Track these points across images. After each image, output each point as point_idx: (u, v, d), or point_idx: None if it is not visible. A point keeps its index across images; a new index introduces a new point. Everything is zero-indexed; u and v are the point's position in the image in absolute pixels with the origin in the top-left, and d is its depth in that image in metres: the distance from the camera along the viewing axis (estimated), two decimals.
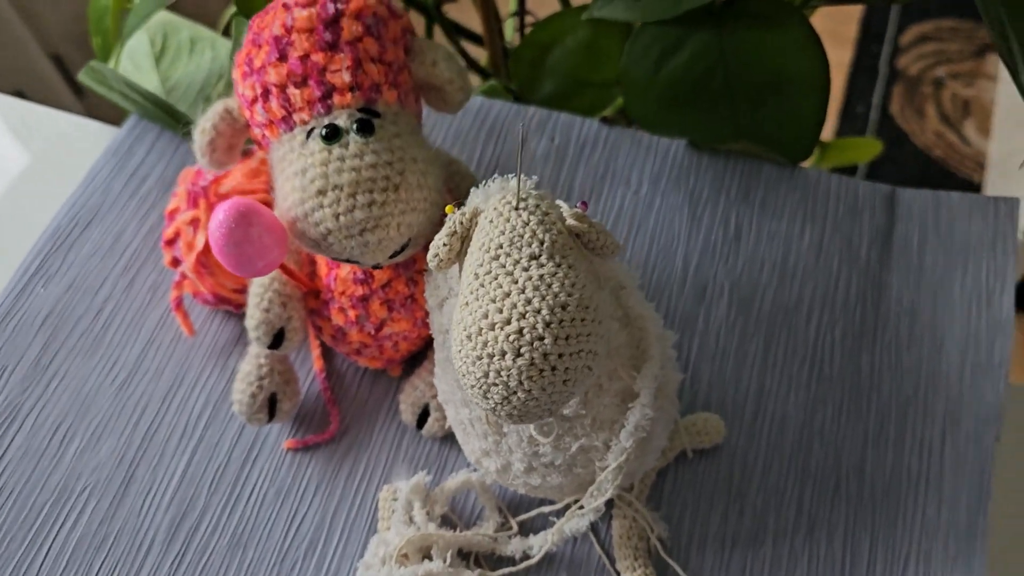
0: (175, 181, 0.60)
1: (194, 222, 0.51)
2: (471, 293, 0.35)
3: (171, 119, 0.59)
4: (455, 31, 0.69)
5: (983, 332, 0.53)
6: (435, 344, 0.43)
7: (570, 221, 0.36)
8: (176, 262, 0.53)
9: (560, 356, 0.33)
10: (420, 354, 0.52)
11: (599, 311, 0.35)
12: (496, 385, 0.33)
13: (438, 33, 0.70)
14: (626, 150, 0.61)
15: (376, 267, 0.43)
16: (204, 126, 0.42)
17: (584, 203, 0.37)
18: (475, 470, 0.48)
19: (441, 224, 0.43)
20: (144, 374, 0.53)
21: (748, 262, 0.56)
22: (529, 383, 0.33)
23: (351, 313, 0.47)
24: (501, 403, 0.34)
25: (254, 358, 0.49)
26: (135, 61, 0.65)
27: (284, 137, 0.41)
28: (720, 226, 0.58)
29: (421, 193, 0.40)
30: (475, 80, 0.72)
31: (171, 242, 0.52)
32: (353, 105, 0.40)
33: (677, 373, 0.45)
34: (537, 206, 0.36)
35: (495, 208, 0.36)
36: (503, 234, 0.35)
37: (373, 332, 0.47)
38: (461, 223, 0.37)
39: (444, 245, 0.36)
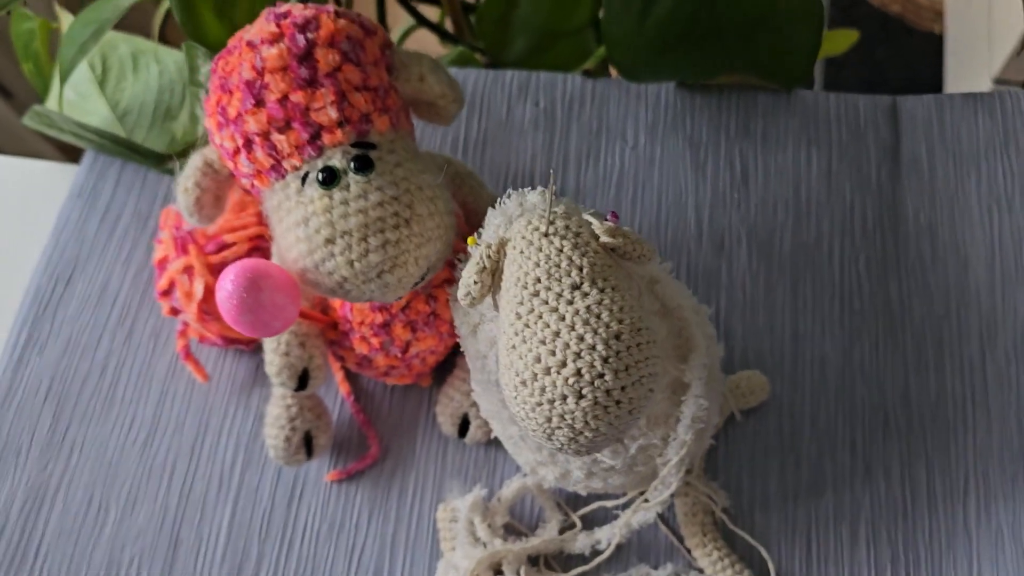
0: (152, 214, 0.57)
1: (188, 270, 0.48)
2: (516, 335, 0.33)
3: (132, 152, 0.55)
4: None
5: (1008, 240, 0.52)
6: (472, 367, 0.41)
7: (604, 238, 0.34)
8: (175, 311, 0.50)
9: (623, 389, 0.32)
10: (447, 361, 0.51)
11: (651, 329, 0.33)
12: (561, 428, 0.32)
13: (392, 2, 0.65)
14: (616, 102, 0.58)
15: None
16: (186, 185, 0.39)
17: (615, 214, 0.35)
18: (527, 474, 0.47)
19: (459, 241, 0.41)
20: (166, 428, 0.51)
21: (760, 204, 0.54)
22: (596, 422, 0.32)
23: (375, 341, 0.45)
24: (568, 443, 0.32)
25: (281, 399, 0.48)
26: (78, 90, 0.61)
27: (276, 186, 0.38)
28: (726, 169, 0.55)
29: (433, 221, 0.38)
30: (440, 48, 0.68)
31: (167, 292, 0.49)
32: (345, 141, 0.37)
33: (719, 348, 0.44)
34: (567, 228, 0.34)
35: (523, 237, 0.34)
36: (538, 266, 0.33)
37: (400, 355, 0.46)
38: (490, 257, 0.34)
39: (476, 283, 0.34)
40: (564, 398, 0.31)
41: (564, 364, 0.31)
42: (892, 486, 0.47)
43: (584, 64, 0.59)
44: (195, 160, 0.39)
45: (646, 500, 0.43)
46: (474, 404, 0.48)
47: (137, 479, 0.50)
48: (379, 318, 0.44)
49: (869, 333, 0.51)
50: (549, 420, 0.32)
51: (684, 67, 0.55)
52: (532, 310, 0.33)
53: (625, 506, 0.47)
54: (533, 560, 0.46)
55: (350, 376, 0.52)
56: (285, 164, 0.37)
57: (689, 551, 0.46)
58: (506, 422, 0.41)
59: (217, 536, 0.49)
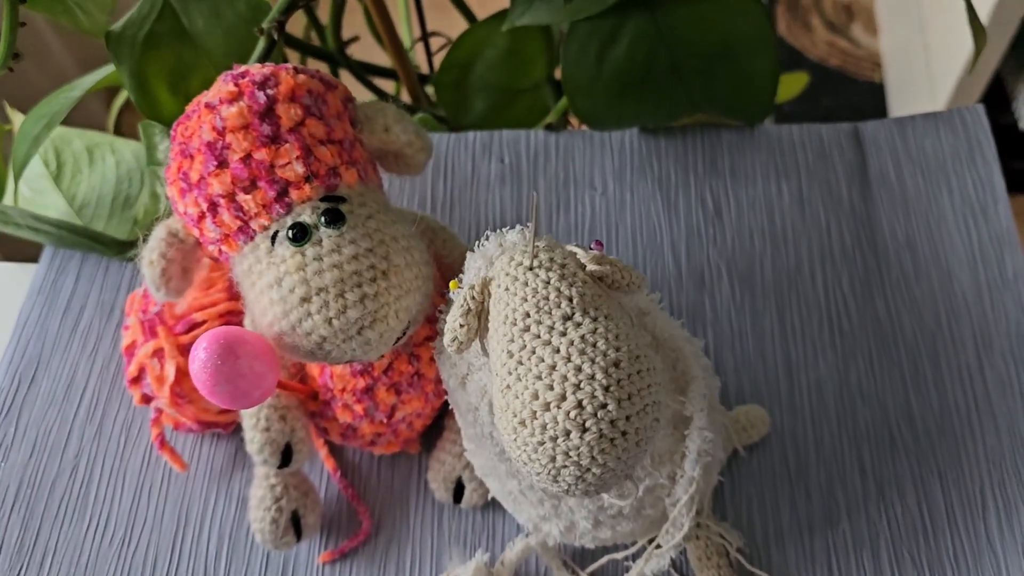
0: (116, 304, 0.55)
1: (157, 353, 0.46)
2: (510, 374, 0.31)
3: (92, 242, 0.54)
4: (364, 71, 0.65)
5: (988, 247, 0.51)
6: (462, 422, 0.40)
7: (591, 267, 0.33)
8: (147, 399, 0.48)
9: (628, 419, 0.30)
10: (435, 425, 0.49)
11: (649, 357, 0.32)
12: (567, 467, 0.30)
13: (346, 76, 0.65)
14: (581, 152, 0.58)
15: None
16: (151, 257, 0.38)
17: (599, 242, 0.34)
18: (530, 532, 0.45)
19: (437, 296, 0.40)
20: (143, 525, 0.48)
21: (736, 236, 0.54)
22: (603, 456, 0.30)
23: (358, 408, 0.43)
24: (575, 483, 0.31)
25: (264, 480, 0.45)
26: (33, 186, 0.59)
27: (245, 249, 0.36)
28: (698, 206, 0.55)
29: (411, 272, 0.37)
30: None
31: (137, 379, 0.47)
32: (314, 196, 0.36)
33: (715, 379, 0.42)
34: (552, 260, 0.33)
35: (507, 273, 0.33)
36: (526, 300, 0.32)
37: (386, 420, 0.44)
38: (474, 298, 0.33)
39: (461, 326, 0.33)
40: (567, 433, 0.30)
41: (564, 397, 0.30)
42: (908, 506, 0.46)
43: (545, 119, 0.59)
44: (159, 231, 0.38)
45: (658, 546, 0.41)
46: (467, 466, 0.46)
47: None
48: (361, 383, 0.42)
49: (862, 353, 0.50)
50: (553, 460, 0.30)
51: (646, 110, 0.55)
52: (524, 346, 0.31)
53: (636, 556, 0.44)
54: None
55: (335, 450, 0.50)
56: (253, 224, 0.36)
57: None
58: (504, 477, 0.40)
59: None
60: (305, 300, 0.35)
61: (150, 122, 0.47)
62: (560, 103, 0.58)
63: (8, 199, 0.58)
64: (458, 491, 0.46)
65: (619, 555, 0.44)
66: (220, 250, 0.37)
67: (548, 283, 0.32)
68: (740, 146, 0.57)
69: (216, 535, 0.48)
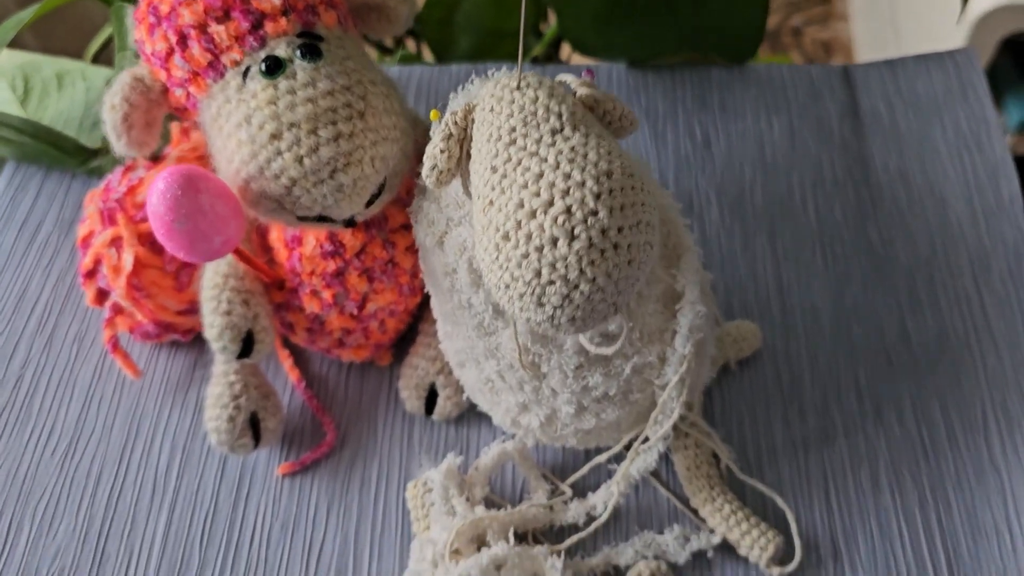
0: (75, 220, 0.52)
1: (115, 241, 0.43)
2: (493, 189, 0.29)
3: (57, 151, 0.51)
4: None
5: (983, 177, 0.50)
6: (437, 299, 0.37)
7: (582, 91, 0.31)
8: (102, 296, 0.45)
9: (620, 230, 0.28)
10: (406, 338, 0.46)
11: (645, 180, 0.30)
12: (553, 283, 0.28)
13: None
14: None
15: (349, 224, 0.37)
16: (113, 101, 0.35)
17: (590, 71, 0.32)
18: (508, 439, 0.42)
19: (415, 157, 0.38)
20: (89, 436, 0.45)
21: (725, 165, 0.52)
22: (592, 269, 0.27)
23: (327, 294, 0.40)
24: (561, 305, 0.28)
25: (223, 377, 0.42)
26: None
27: (214, 89, 0.34)
28: (686, 138, 0.54)
29: (390, 119, 0.35)
30: (378, 56, 0.67)
31: (91, 274, 0.44)
32: (290, 31, 0.34)
33: (707, 273, 0.40)
34: (540, 82, 0.31)
35: (492, 95, 0.31)
36: (512, 116, 0.30)
37: (356, 311, 0.41)
38: (455, 123, 0.31)
39: (442, 152, 0.31)
40: (554, 242, 0.27)
41: (551, 203, 0.27)
42: (907, 427, 0.43)
43: (531, 53, 0.58)
44: (123, 76, 0.36)
45: (646, 440, 0.38)
46: (442, 371, 0.43)
47: (56, 493, 0.43)
48: (331, 265, 0.40)
49: (856, 276, 0.48)
50: (539, 274, 0.28)
51: (634, 39, 0.54)
52: (509, 159, 0.29)
53: (619, 461, 0.41)
54: (520, 536, 0.40)
55: (300, 362, 0.47)
56: (224, 59, 0.34)
57: (696, 512, 0.41)
58: (482, 359, 0.37)
59: (151, 547, 0.42)
60: (275, 137, 0.33)
61: (123, 3, 0.45)
62: (548, 33, 0.57)
63: None
64: (430, 400, 0.43)
65: (603, 457, 0.41)
66: (188, 93, 0.35)
67: (536, 100, 0.30)
68: (729, 83, 0.56)
69: (168, 447, 0.44)
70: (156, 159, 0.45)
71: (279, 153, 0.33)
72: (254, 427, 0.42)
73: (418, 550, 0.39)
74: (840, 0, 1.69)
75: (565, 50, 0.62)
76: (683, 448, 0.41)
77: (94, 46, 0.63)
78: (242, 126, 0.33)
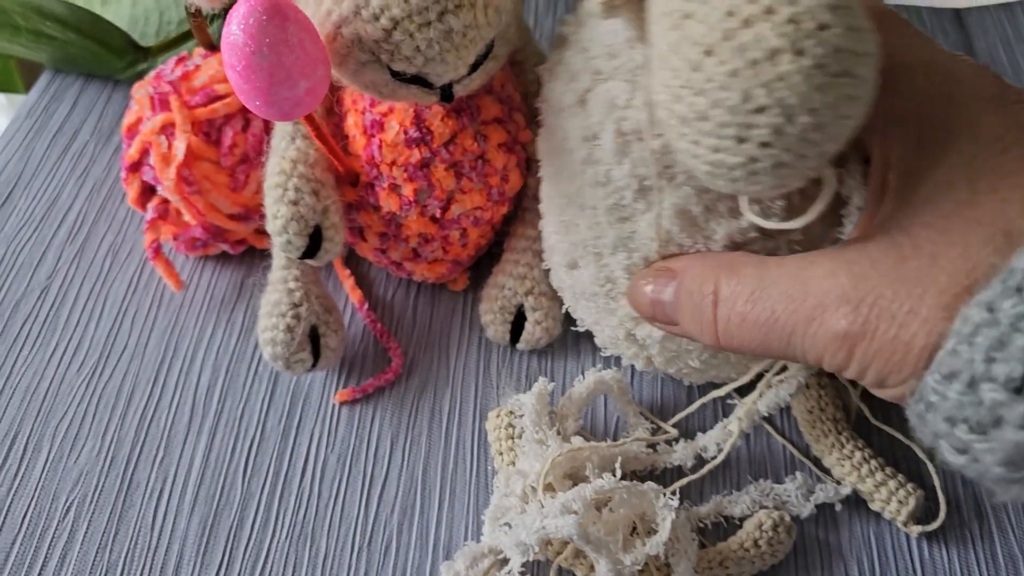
0: (116, 133, 0.48)
1: (166, 129, 0.38)
2: (688, 2, 0.24)
3: (103, 48, 0.46)
4: None
5: None
6: (558, 179, 0.32)
7: None
8: (146, 195, 0.40)
9: (855, 55, 0.22)
10: (483, 264, 0.41)
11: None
12: (768, 109, 0.22)
13: None
14: None
15: (445, 97, 0.32)
16: None
17: None
18: (603, 369, 0.36)
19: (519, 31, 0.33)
20: (121, 352, 0.40)
21: None
22: (818, 96, 0.22)
23: (408, 189, 0.35)
24: (769, 141, 0.22)
25: (281, 283, 0.37)
26: None
27: None
28: None
29: None
30: None
31: (136, 166, 0.39)
32: None
33: None
34: None
35: None
36: None
37: (439, 213, 0.36)
38: None
39: None
40: (774, 54, 0.22)
41: (772, 11, 0.22)
42: None
43: None
44: None
45: (781, 371, 0.33)
46: (531, 291, 0.38)
47: (81, 412, 0.38)
48: (416, 155, 0.35)
49: None
50: (748, 97, 0.22)
51: None
52: None
53: (740, 394, 0.36)
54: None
55: (362, 285, 0.41)
56: None
57: (817, 462, 0.35)
58: (606, 252, 0.31)
59: (187, 476, 0.36)
60: None
61: None
62: None
63: None
64: (516, 326, 0.38)
65: (720, 391, 0.35)
66: None
67: None
68: None
69: (210, 368, 0.39)
70: (212, 48, 0.41)
71: None
72: (313, 343, 0.37)
73: (504, 483, 0.33)
74: None
75: None
76: (804, 388, 0.36)
77: None
78: None
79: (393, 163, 0.35)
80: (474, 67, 0.31)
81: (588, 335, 0.37)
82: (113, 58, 0.47)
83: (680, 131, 0.23)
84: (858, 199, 0.30)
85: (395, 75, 0.30)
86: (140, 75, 0.48)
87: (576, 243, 0.32)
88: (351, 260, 0.42)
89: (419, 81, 0.31)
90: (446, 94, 0.32)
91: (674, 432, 0.36)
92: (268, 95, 0.28)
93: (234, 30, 0.27)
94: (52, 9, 0.44)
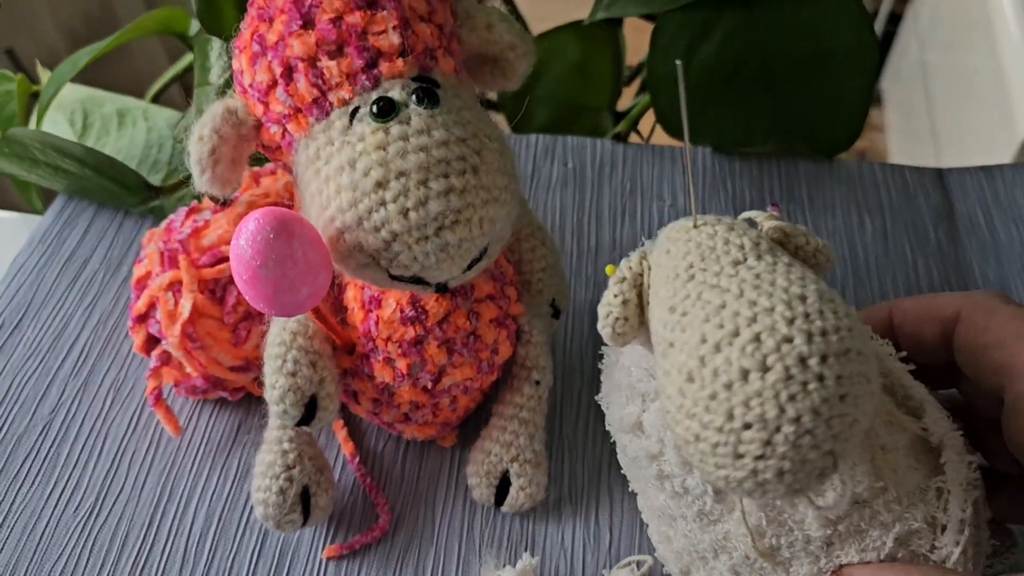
0: (125, 263, 0.49)
1: (173, 285, 0.40)
2: (672, 330, 0.26)
3: (118, 186, 0.48)
4: None
5: None
6: (643, 496, 0.35)
7: (768, 224, 0.29)
8: (150, 344, 0.42)
9: (823, 359, 0.23)
10: (471, 420, 0.42)
11: (845, 304, 0.26)
12: (749, 426, 0.24)
13: None
14: (649, 165, 0.54)
15: (440, 289, 0.34)
16: (202, 132, 0.33)
17: (776, 204, 0.30)
18: (591, 542, 0.37)
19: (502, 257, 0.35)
20: (116, 494, 0.41)
21: None
22: (794, 407, 0.23)
23: (401, 364, 0.37)
24: (763, 454, 0.23)
25: (276, 444, 0.38)
26: None
27: (316, 129, 0.32)
28: None
29: (503, 179, 0.32)
30: None
31: (143, 318, 0.41)
32: (406, 73, 0.31)
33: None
34: (719, 219, 0.28)
35: (668, 238, 0.29)
36: (688, 253, 0.28)
37: (430, 385, 0.38)
38: (629, 267, 0.29)
39: (616, 296, 0.29)
40: (744, 375, 0.24)
41: (736, 333, 0.24)
42: None
43: (614, 129, 0.56)
44: (215, 108, 0.33)
45: None
46: (516, 458, 0.39)
47: (75, 555, 0.39)
48: (411, 332, 0.36)
49: None
50: (731, 416, 0.24)
51: (727, 119, 0.52)
52: (688, 296, 0.26)
53: None
54: None
55: (354, 435, 0.43)
56: (331, 97, 0.31)
57: None
58: (710, 556, 0.32)
59: None
60: (380, 186, 0.30)
61: (208, 36, 0.43)
62: (631, 112, 0.55)
63: None
64: (502, 489, 0.40)
65: None
66: (284, 131, 0.32)
67: (715, 234, 0.28)
68: (819, 177, 0.53)
69: (203, 514, 0.40)
70: (224, 203, 0.43)
71: (383, 203, 0.30)
72: (304, 503, 0.38)
73: None
74: (875, 112, 1.70)
75: (643, 128, 0.60)
76: None
77: (156, 86, 0.61)
78: (344, 170, 0.31)
79: (388, 339, 0.37)
80: (470, 266, 0.33)
81: (570, 494, 0.38)
82: (127, 195, 0.49)
83: (686, 452, 0.25)
84: (953, 443, 0.30)
85: (394, 277, 0.32)
86: (153, 210, 0.50)
87: (680, 552, 0.33)
88: (344, 410, 0.43)
89: (416, 280, 0.32)
90: (441, 287, 0.34)
91: None
92: (271, 300, 0.30)
93: (242, 244, 0.29)
94: (70, 149, 0.46)
